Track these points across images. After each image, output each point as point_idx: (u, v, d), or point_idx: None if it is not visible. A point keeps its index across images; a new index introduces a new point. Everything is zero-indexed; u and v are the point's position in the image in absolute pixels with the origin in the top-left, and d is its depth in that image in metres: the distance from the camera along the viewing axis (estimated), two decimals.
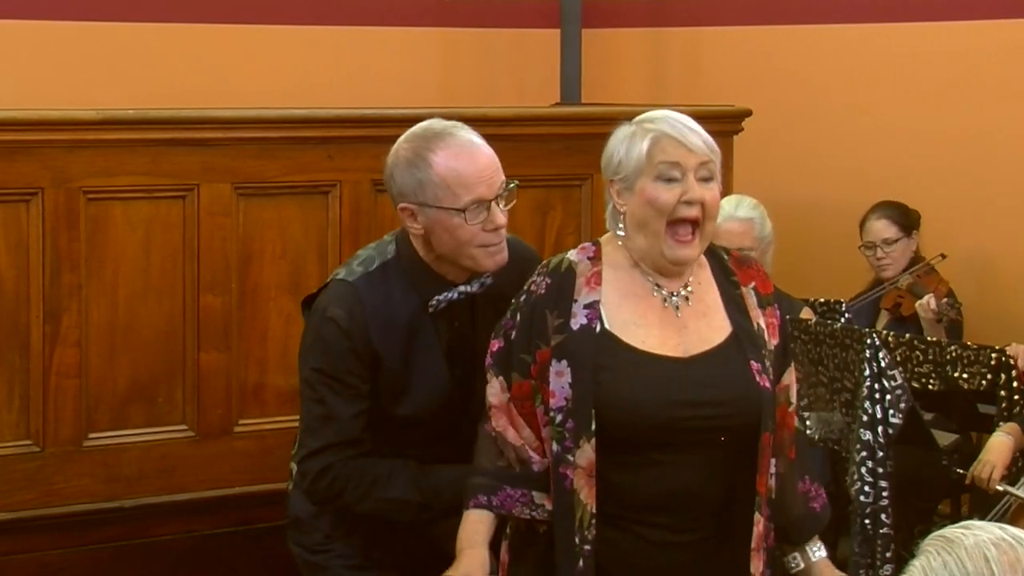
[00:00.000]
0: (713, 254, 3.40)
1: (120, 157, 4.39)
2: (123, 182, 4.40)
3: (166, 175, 4.44)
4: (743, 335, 3.30)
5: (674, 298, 3.30)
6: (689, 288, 3.32)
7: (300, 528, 3.73)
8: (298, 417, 3.75)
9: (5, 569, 4.26)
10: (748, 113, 5.31)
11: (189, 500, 4.49)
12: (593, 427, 3.19)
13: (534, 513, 3.28)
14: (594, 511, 3.20)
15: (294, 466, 3.77)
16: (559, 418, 3.22)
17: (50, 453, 4.35)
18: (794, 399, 3.42)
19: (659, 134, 3.26)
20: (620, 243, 3.32)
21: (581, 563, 3.20)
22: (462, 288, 3.54)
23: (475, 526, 3.30)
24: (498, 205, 3.46)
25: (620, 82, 7.15)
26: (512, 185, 3.50)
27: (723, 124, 5.04)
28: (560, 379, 3.22)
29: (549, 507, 3.26)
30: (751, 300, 3.36)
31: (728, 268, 3.39)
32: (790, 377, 3.39)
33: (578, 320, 3.25)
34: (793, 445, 3.39)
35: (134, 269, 4.42)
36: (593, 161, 5.06)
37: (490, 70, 7.14)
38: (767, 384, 3.28)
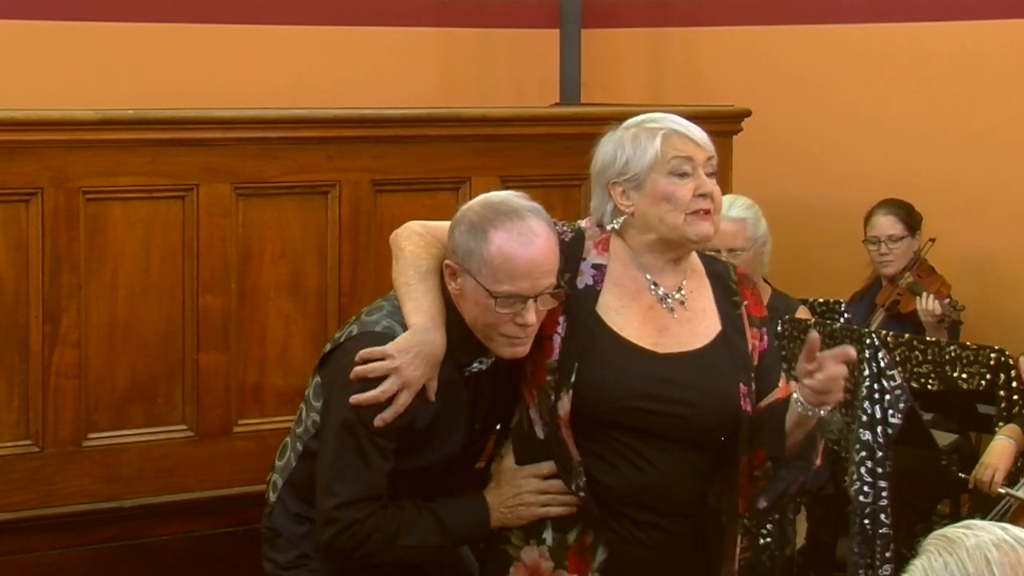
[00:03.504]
0: (714, 263, 3.43)
1: (119, 157, 4.37)
2: (122, 182, 4.38)
3: (165, 175, 4.43)
4: (735, 352, 3.34)
5: (669, 300, 3.33)
6: (683, 292, 3.34)
7: (275, 545, 3.68)
8: (296, 420, 3.73)
9: (4, 569, 4.25)
10: (747, 113, 5.30)
11: (189, 500, 4.48)
12: (573, 379, 3.26)
13: None
14: (579, 458, 3.29)
15: (278, 479, 3.72)
16: (550, 378, 3.30)
17: (49, 453, 4.34)
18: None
19: (668, 131, 3.32)
20: (620, 238, 3.38)
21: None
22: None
23: None
24: (535, 303, 3.35)
25: (619, 82, 7.15)
26: (556, 290, 3.37)
27: (722, 124, 5.03)
28: (559, 334, 3.32)
29: None
30: (745, 321, 3.39)
31: (731, 288, 3.42)
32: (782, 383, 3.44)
33: (584, 279, 3.34)
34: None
35: (133, 269, 4.41)
36: None
37: (489, 70, 7.14)
38: (748, 409, 3.31)
